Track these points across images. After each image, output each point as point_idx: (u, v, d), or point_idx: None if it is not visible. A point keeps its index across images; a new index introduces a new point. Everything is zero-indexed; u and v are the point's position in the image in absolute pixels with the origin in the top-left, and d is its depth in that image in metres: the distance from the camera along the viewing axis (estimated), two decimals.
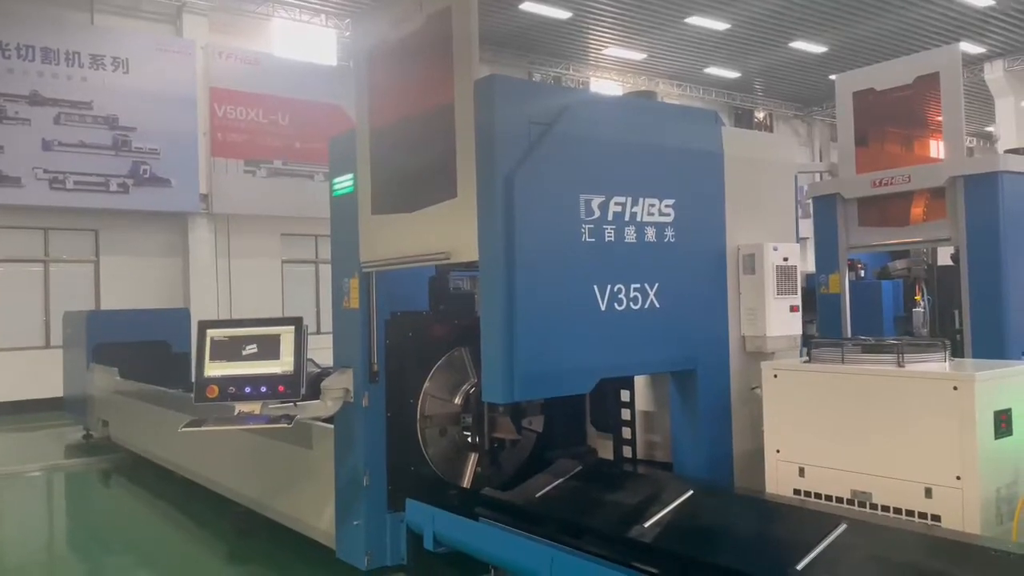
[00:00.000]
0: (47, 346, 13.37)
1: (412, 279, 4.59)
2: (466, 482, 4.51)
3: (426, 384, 4.46)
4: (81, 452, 9.45)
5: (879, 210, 6.58)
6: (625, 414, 4.50)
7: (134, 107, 13.88)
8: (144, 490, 7.45)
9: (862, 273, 8.76)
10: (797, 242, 4.34)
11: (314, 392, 4.47)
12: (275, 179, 15.37)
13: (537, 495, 4.01)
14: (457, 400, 4.52)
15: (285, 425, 4.02)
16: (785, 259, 4.12)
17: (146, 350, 9.23)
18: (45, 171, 13.15)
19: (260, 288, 15.26)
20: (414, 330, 4.49)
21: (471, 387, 4.52)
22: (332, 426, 4.65)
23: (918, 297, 8.08)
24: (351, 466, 4.45)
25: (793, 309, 4.15)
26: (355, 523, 4.38)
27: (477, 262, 3.53)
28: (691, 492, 3.58)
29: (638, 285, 3.74)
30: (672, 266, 3.87)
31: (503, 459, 4.56)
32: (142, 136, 13.95)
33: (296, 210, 14.91)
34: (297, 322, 4.23)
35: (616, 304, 3.65)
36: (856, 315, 6.79)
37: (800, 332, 4.19)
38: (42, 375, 11.94)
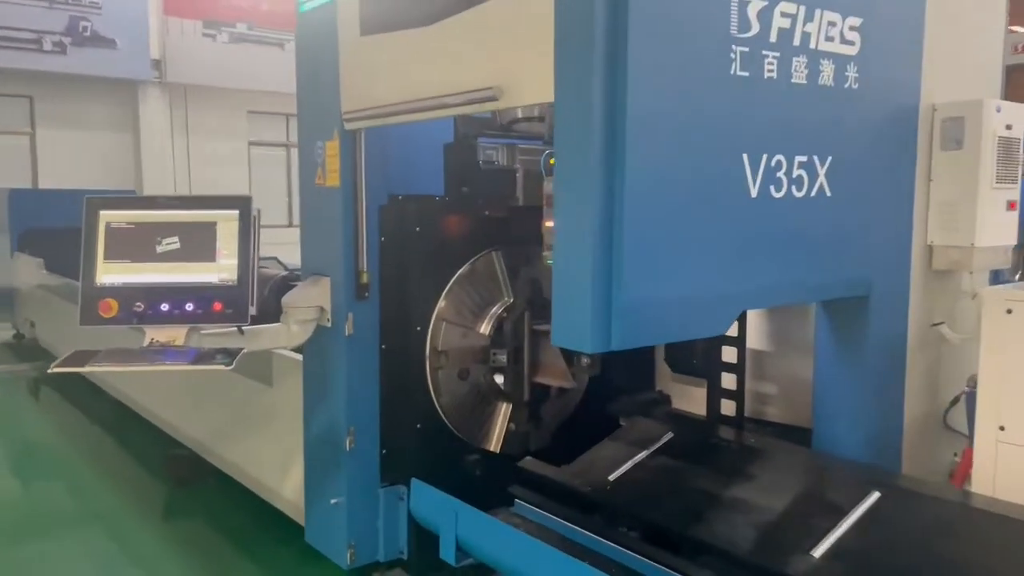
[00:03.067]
0: None
1: (421, 145, 3.08)
2: (494, 444, 3.14)
3: (440, 304, 3.01)
4: (10, 356, 8.11)
5: None
6: (727, 354, 3.09)
7: None
8: (77, 409, 6.15)
9: None
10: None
11: (272, 309, 3.03)
12: (239, 45, 13.45)
13: (611, 478, 2.65)
14: (484, 328, 3.09)
15: (222, 366, 2.57)
16: (1008, 127, 2.65)
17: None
18: None
19: (224, 171, 13.57)
20: (423, 223, 2.98)
21: (504, 309, 3.09)
22: (300, 356, 3.24)
23: None
24: (328, 420, 3.05)
25: (1011, 206, 2.71)
26: (333, 501, 3.02)
27: (542, 109, 2.02)
28: (877, 494, 2.24)
29: (804, 157, 2.26)
30: (851, 129, 2.40)
31: (545, 412, 3.19)
32: None
33: (264, 83, 13.01)
34: (243, 205, 2.70)
35: (773, 188, 2.19)
36: None
37: (1016, 241, 2.77)
38: None
